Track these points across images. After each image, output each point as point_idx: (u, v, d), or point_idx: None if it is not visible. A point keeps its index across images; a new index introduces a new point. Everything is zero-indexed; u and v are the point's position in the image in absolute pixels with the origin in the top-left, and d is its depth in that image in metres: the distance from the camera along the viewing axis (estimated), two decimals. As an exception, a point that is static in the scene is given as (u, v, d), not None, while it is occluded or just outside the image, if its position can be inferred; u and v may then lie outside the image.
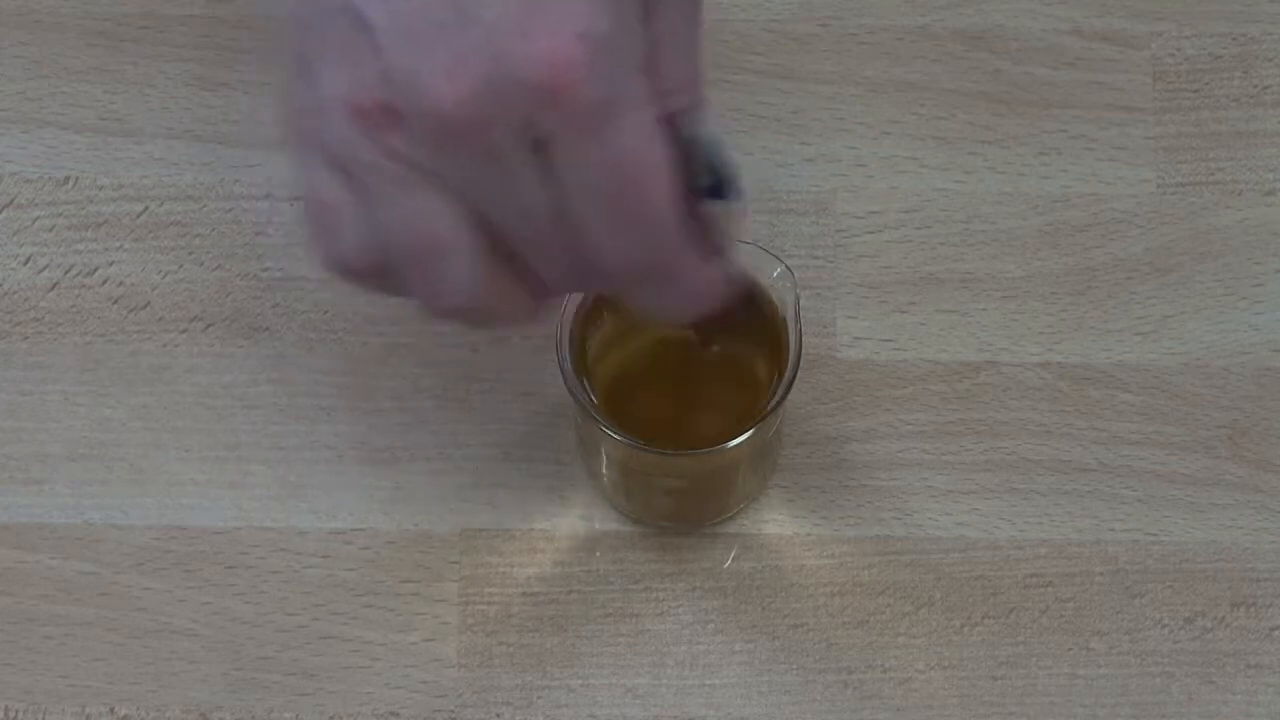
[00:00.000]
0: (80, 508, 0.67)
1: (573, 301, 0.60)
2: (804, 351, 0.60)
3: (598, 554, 0.67)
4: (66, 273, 0.70)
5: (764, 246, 0.61)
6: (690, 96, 0.51)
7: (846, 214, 0.70)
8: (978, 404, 0.68)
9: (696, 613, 0.66)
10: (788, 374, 0.60)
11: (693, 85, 0.51)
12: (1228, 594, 0.67)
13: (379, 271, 0.50)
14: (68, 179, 0.71)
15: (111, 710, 0.66)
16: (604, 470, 0.65)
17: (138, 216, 0.70)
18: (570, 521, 0.67)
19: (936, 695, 0.66)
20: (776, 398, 0.60)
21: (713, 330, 0.58)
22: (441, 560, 0.67)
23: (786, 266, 0.60)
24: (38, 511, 0.67)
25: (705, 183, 0.51)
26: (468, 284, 0.50)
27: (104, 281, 0.70)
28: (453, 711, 0.66)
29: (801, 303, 0.60)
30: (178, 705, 0.66)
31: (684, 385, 0.60)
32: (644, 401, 0.60)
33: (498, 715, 0.66)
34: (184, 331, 0.69)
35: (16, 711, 0.66)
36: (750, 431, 0.59)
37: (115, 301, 0.70)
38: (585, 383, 0.60)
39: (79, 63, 0.72)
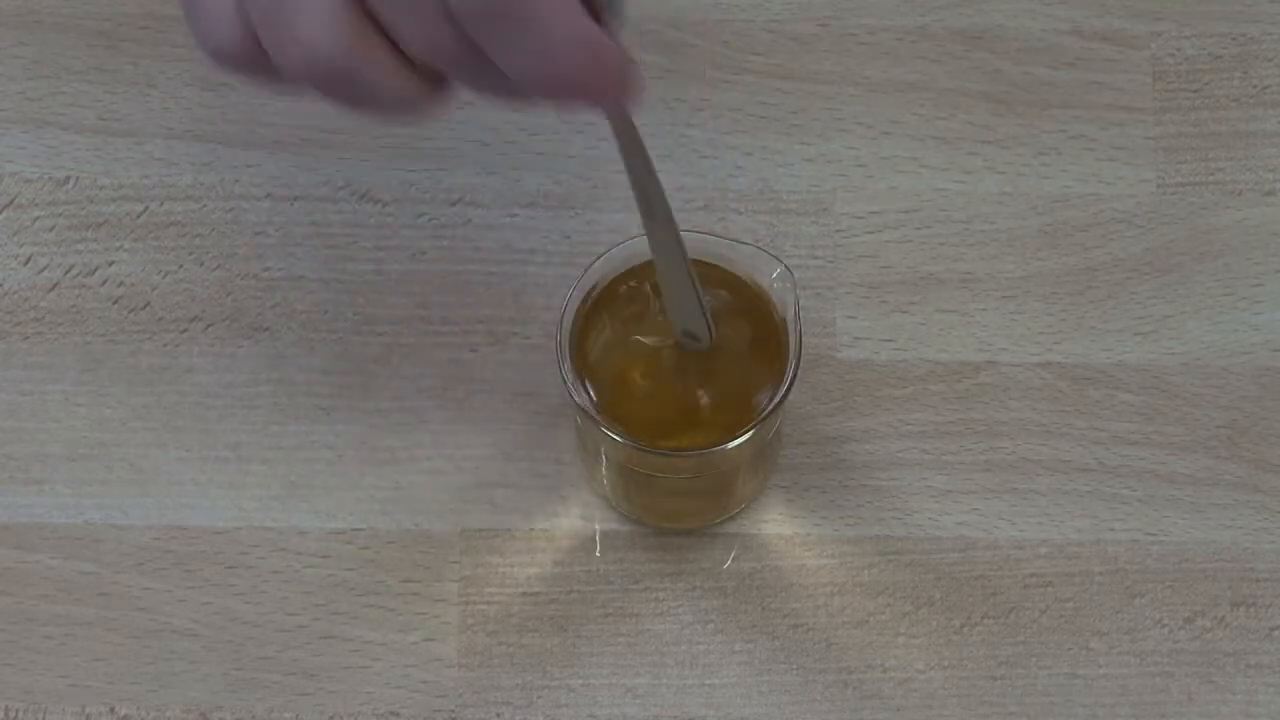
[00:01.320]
0: (80, 508, 0.67)
1: (572, 303, 0.60)
2: (804, 351, 0.60)
3: (598, 554, 0.67)
4: (66, 273, 0.70)
5: (764, 247, 0.61)
6: None
7: (846, 214, 0.70)
8: (978, 404, 0.68)
9: (696, 613, 0.66)
10: (788, 374, 0.60)
11: None
12: (1228, 594, 0.67)
13: (253, 48, 0.48)
14: (68, 179, 0.71)
15: (111, 710, 0.66)
16: (604, 471, 0.65)
17: (138, 216, 0.70)
18: (570, 521, 0.67)
19: (936, 695, 0.66)
20: (776, 398, 0.60)
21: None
22: (441, 560, 0.67)
23: (786, 267, 0.60)
24: (38, 511, 0.67)
25: None
26: (325, 29, 0.47)
27: (104, 281, 0.70)
28: (453, 711, 0.66)
29: (801, 303, 0.60)
30: (178, 705, 0.66)
31: (684, 386, 0.60)
32: (644, 402, 0.60)
33: (498, 715, 0.66)
34: (184, 331, 0.69)
35: (16, 711, 0.66)
36: (750, 431, 0.59)
37: (115, 301, 0.70)
38: (585, 384, 0.60)
39: (79, 63, 0.72)
